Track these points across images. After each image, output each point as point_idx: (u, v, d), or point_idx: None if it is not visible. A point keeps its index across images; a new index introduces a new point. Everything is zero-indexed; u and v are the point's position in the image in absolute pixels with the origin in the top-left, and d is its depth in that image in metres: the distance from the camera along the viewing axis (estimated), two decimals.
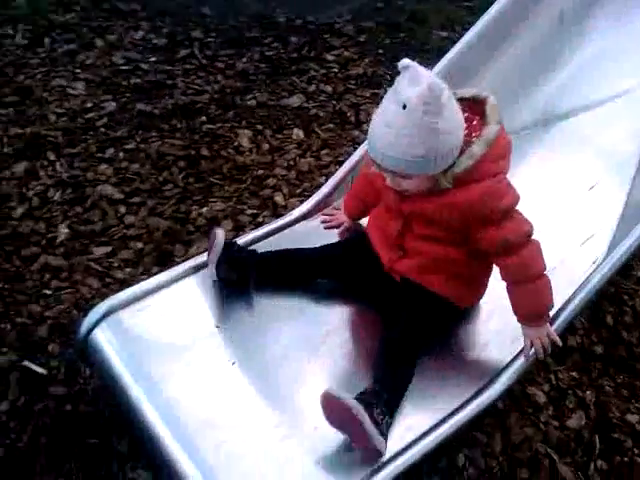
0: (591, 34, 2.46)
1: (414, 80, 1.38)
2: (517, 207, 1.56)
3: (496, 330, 1.76)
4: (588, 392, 1.91)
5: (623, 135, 2.31)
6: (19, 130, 2.72)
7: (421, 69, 1.40)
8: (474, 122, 1.53)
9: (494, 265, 1.66)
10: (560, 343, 1.66)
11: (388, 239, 1.70)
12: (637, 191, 2.14)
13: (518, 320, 1.65)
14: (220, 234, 1.76)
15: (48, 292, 2.09)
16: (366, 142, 2.10)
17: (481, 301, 1.80)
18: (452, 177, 1.48)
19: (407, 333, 1.63)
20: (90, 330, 1.65)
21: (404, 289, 1.70)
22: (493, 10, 2.27)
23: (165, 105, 2.90)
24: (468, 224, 1.54)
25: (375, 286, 1.78)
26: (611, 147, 2.30)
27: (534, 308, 1.62)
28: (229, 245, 1.78)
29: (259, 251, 1.84)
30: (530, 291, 1.59)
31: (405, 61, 1.41)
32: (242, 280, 1.79)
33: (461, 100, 1.50)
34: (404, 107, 1.38)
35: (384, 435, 1.45)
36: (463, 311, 1.77)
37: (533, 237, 1.57)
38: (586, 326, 2.08)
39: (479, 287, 1.75)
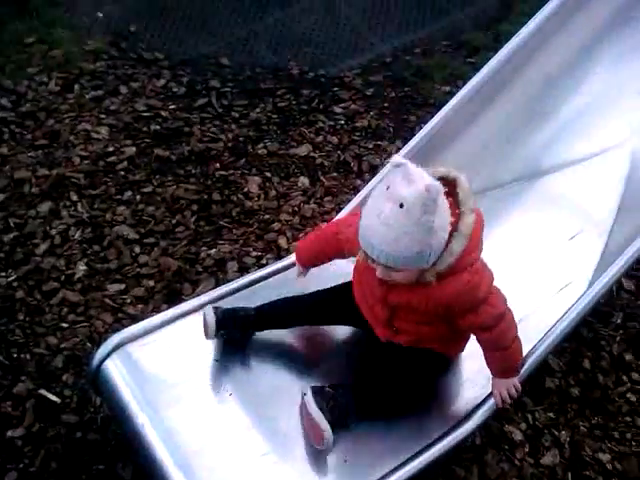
0: (576, 94, 2.61)
1: (408, 179, 1.39)
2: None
3: (471, 370, 1.87)
4: (563, 432, 2.02)
5: (602, 190, 2.43)
6: (46, 172, 2.88)
7: (413, 167, 1.41)
8: (449, 206, 1.51)
9: None
10: (520, 392, 1.73)
11: (378, 320, 1.76)
12: (613, 242, 2.25)
13: (491, 372, 1.74)
14: (210, 319, 1.81)
15: (65, 325, 2.25)
16: (362, 191, 2.24)
17: None
18: (435, 273, 1.52)
19: (397, 382, 1.74)
20: (101, 362, 1.80)
21: (397, 346, 1.77)
22: (485, 69, 2.42)
23: (182, 151, 3.05)
24: (450, 313, 1.63)
25: (366, 336, 1.86)
26: (591, 201, 2.41)
27: (506, 368, 1.73)
28: (222, 322, 1.82)
29: (261, 292, 1.95)
30: (502, 356, 1.69)
31: (396, 159, 1.43)
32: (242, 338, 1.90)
33: None
34: (401, 206, 1.39)
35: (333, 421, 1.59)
36: (451, 358, 1.87)
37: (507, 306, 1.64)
38: (564, 369, 2.18)
39: (467, 338, 1.82)
